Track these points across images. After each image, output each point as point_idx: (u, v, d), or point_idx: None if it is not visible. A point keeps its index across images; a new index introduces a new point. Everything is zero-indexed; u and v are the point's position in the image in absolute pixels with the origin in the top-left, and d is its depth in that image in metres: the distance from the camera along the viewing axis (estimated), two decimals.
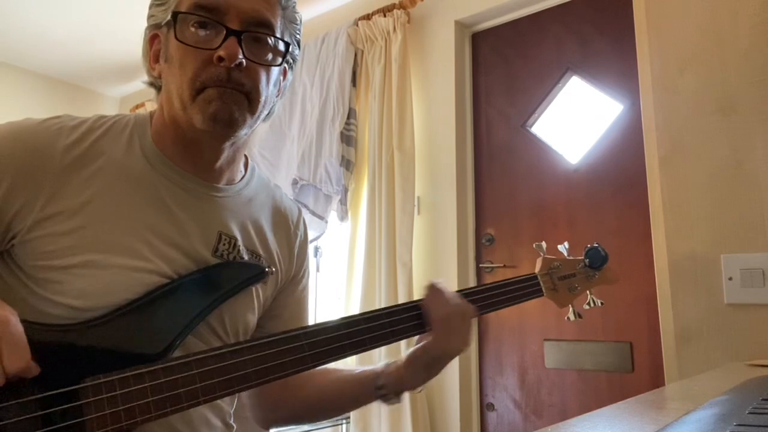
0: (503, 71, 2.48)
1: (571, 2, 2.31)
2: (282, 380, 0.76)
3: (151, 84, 0.86)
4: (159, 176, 0.80)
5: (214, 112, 0.75)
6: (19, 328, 0.61)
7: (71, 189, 0.74)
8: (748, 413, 0.54)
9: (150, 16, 0.82)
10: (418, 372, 0.88)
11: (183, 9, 0.77)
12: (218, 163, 0.84)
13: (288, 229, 0.96)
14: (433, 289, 0.87)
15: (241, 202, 0.88)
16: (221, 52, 0.74)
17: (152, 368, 0.68)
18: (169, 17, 0.78)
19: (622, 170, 2.09)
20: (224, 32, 0.75)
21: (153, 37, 0.83)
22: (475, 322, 2.34)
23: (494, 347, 2.31)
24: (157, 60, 0.82)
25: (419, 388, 0.91)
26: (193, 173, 0.82)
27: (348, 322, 0.81)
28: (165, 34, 0.81)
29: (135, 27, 3.28)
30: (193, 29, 0.77)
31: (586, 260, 1.07)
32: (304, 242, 0.99)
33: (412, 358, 0.88)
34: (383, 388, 0.89)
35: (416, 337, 0.89)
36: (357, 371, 0.94)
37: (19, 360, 0.60)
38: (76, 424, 0.64)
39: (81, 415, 0.64)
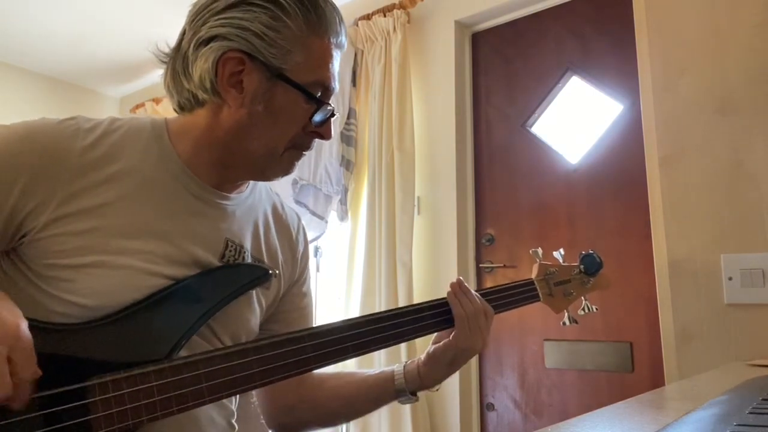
0: (503, 71, 2.48)
1: (571, 2, 2.31)
2: (297, 384, 0.77)
3: (192, 96, 0.81)
4: (174, 183, 0.81)
5: (290, 171, 0.86)
6: (29, 335, 0.62)
7: (87, 191, 0.75)
8: (748, 413, 0.54)
9: (239, 37, 0.76)
10: (441, 368, 0.92)
11: (303, 79, 0.79)
12: (239, 183, 0.88)
13: (290, 237, 0.98)
14: (461, 287, 0.92)
15: (246, 209, 0.89)
16: (324, 133, 0.84)
17: (159, 367, 0.69)
18: (282, 67, 0.78)
19: (622, 170, 2.09)
20: (331, 114, 0.83)
21: (234, 59, 0.77)
22: None
23: (494, 347, 2.31)
24: (231, 85, 0.78)
25: (436, 387, 0.95)
26: (209, 184, 0.83)
27: (350, 325, 0.83)
28: (265, 76, 0.78)
29: (135, 27, 3.28)
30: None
31: (581, 266, 1.09)
32: (306, 249, 1.01)
33: (434, 355, 0.92)
34: (402, 387, 0.93)
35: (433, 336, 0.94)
36: (373, 373, 0.97)
37: (30, 369, 0.60)
38: (82, 422, 0.64)
39: (87, 413, 0.65)
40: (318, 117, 0.81)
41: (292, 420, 0.96)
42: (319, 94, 0.81)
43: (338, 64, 0.85)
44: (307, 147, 0.85)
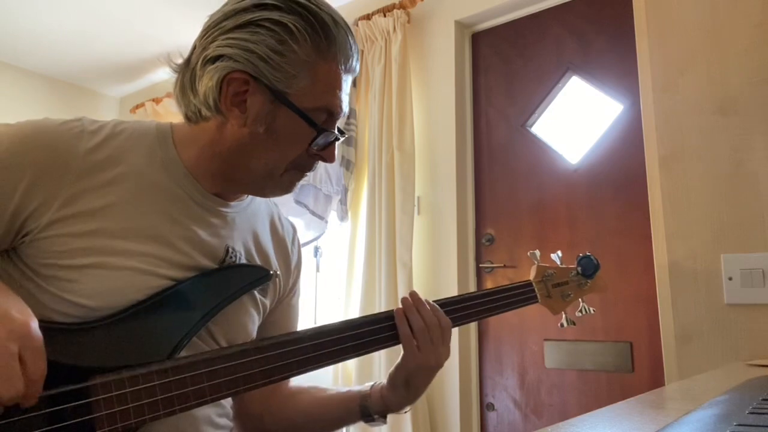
0: (503, 71, 2.48)
1: (571, 2, 2.31)
2: (266, 394, 0.76)
3: (198, 110, 0.80)
4: (177, 189, 0.81)
5: (290, 190, 0.85)
6: (40, 334, 0.62)
7: (89, 192, 0.75)
8: (748, 413, 0.54)
9: (244, 58, 0.76)
10: (399, 392, 0.88)
11: (307, 104, 0.78)
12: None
13: (286, 248, 0.98)
14: (413, 300, 0.88)
15: (246, 217, 0.90)
16: (327, 156, 0.83)
17: (161, 367, 0.69)
18: (286, 92, 0.77)
19: (622, 170, 2.09)
20: (334, 138, 0.83)
21: (238, 80, 0.77)
22: (473, 326, 2.35)
23: (494, 347, 2.31)
24: (235, 104, 0.78)
25: (405, 409, 0.91)
26: (211, 192, 0.84)
27: (350, 325, 0.83)
28: (269, 98, 0.77)
29: (135, 27, 3.28)
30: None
31: (579, 268, 1.09)
32: (299, 262, 1.01)
33: (391, 379, 0.88)
34: (369, 410, 0.90)
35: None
36: (343, 391, 0.95)
37: (41, 369, 0.61)
38: (85, 421, 0.64)
39: (90, 412, 0.65)
40: (320, 142, 0.81)
41: (256, 429, 0.95)
42: (323, 119, 0.80)
43: (348, 87, 0.83)
44: (309, 168, 0.84)
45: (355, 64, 0.83)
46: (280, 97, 0.77)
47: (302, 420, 0.95)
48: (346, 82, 0.82)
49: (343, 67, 0.80)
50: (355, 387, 0.94)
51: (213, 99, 0.78)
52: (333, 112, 0.81)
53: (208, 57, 0.78)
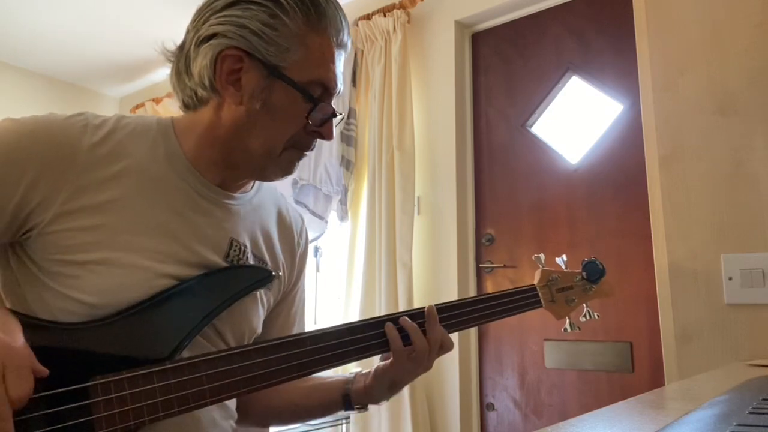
0: (503, 71, 2.48)
1: (571, 2, 2.31)
2: None
3: (194, 93, 0.81)
4: (180, 182, 0.81)
5: (290, 171, 0.84)
6: (24, 353, 0.61)
7: (94, 187, 0.75)
8: (748, 413, 0.54)
9: (237, 34, 0.76)
10: (382, 390, 0.89)
11: (301, 78, 0.78)
12: (243, 182, 0.88)
13: (292, 239, 0.98)
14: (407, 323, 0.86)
15: (251, 209, 0.90)
16: (325, 133, 0.83)
17: (161, 368, 0.69)
18: (280, 65, 0.77)
19: (622, 170, 2.09)
20: (331, 114, 0.82)
21: (232, 56, 0.77)
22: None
23: (494, 347, 2.31)
24: (230, 83, 0.78)
25: (382, 403, 0.93)
26: (214, 183, 0.84)
27: (351, 328, 0.83)
28: (263, 74, 0.78)
29: (135, 27, 3.28)
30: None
31: (584, 273, 1.09)
32: (305, 252, 1.01)
33: (378, 376, 0.89)
34: (350, 398, 0.91)
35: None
36: (327, 380, 0.95)
37: (23, 390, 0.60)
38: (84, 422, 0.64)
39: (89, 413, 0.65)
40: (316, 116, 0.81)
41: (247, 418, 0.95)
42: (319, 93, 0.80)
43: (341, 63, 0.83)
44: (307, 147, 0.84)
45: (346, 39, 0.83)
46: (275, 72, 0.77)
47: (285, 407, 0.95)
48: (339, 58, 0.83)
49: (334, 39, 0.81)
50: (339, 375, 0.95)
51: (208, 78, 0.78)
52: (327, 86, 0.81)
53: (202, 37, 0.78)
